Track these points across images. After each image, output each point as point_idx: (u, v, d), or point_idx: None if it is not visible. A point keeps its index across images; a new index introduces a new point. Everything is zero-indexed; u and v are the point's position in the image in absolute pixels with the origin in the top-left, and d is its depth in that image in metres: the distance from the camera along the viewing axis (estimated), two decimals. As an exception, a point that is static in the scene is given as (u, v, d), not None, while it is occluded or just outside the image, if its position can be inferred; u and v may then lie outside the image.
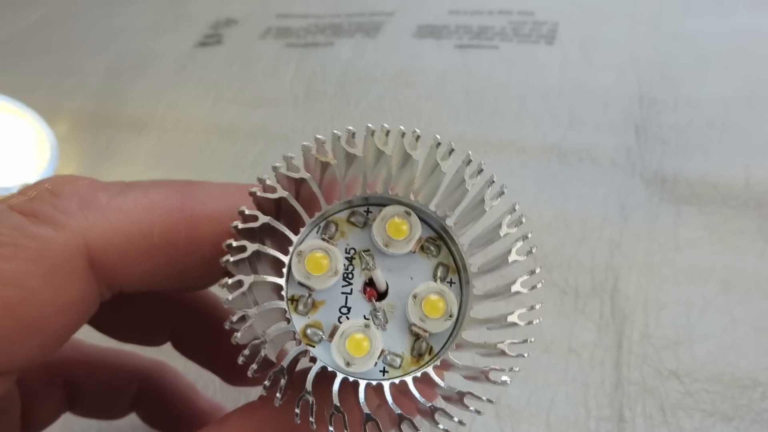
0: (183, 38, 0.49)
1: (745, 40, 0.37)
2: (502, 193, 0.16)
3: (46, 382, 0.22)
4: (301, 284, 0.15)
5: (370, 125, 0.15)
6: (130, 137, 0.43)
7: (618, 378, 0.26)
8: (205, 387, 0.28)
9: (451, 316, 0.15)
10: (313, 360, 0.14)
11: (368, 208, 0.16)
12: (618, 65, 0.37)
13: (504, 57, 0.40)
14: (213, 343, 0.22)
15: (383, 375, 0.15)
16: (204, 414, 0.25)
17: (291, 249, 0.15)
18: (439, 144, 0.15)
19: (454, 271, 0.16)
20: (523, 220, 0.16)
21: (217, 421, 0.15)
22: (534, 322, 0.15)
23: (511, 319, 0.15)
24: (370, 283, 0.16)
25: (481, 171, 0.16)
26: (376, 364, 0.15)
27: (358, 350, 0.14)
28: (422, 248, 0.16)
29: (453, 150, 0.16)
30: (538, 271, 0.16)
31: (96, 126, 0.44)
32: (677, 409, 0.24)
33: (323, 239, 0.16)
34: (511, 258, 0.15)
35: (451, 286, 0.16)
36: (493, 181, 0.16)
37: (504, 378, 0.14)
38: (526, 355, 0.15)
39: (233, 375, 0.24)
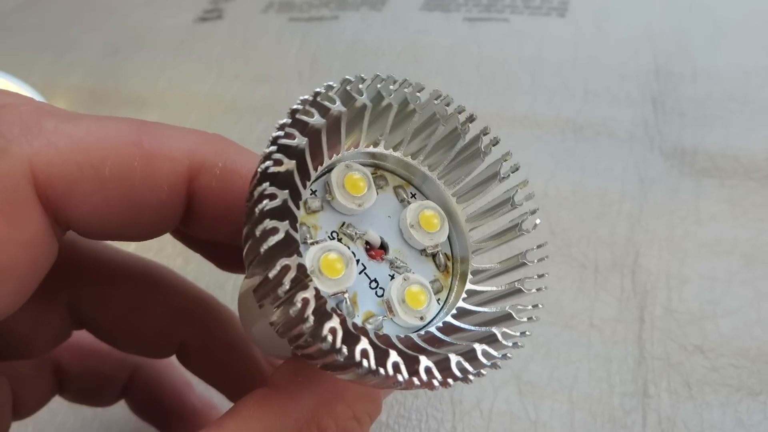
0: (182, 13, 0.48)
1: (764, 11, 0.36)
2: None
3: (35, 368, 0.22)
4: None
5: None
6: (131, 114, 0.41)
7: (641, 353, 0.25)
8: (199, 382, 0.25)
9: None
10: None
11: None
12: (633, 38, 0.36)
13: (515, 30, 0.39)
14: (221, 361, 0.21)
15: (439, 304, 0.16)
16: (194, 412, 0.24)
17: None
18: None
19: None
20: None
21: (228, 413, 0.14)
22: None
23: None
24: (369, 245, 0.15)
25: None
26: (438, 301, 0.16)
27: (417, 303, 0.15)
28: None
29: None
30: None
31: (95, 103, 0.43)
32: (703, 385, 0.24)
33: (316, 242, 0.14)
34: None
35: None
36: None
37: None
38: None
39: (241, 396, 0.22)
